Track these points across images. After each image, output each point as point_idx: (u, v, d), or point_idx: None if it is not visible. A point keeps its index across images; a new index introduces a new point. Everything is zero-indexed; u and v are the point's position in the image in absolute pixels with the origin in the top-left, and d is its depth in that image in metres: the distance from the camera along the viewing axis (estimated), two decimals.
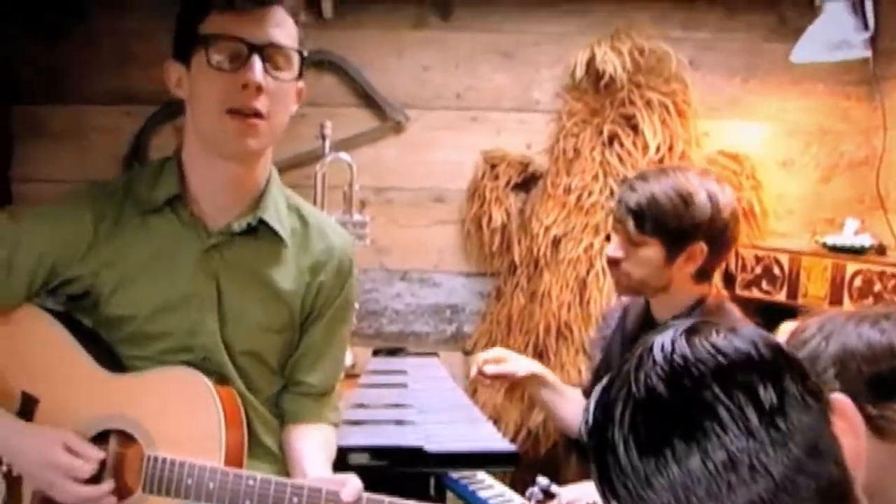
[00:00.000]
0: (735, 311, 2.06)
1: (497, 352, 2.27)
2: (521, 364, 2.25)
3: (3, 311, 1.61)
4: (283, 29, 1.51)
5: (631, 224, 1.97)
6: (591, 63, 2.89)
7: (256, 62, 1.47)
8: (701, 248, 1.95)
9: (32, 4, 3.00)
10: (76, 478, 1.48)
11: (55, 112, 3.08)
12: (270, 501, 1.45)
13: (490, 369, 2.20)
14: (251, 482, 1.46)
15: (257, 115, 1.49)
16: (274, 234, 1.62)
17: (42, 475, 1.50)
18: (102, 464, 1.53)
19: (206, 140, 1.55)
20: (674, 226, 1.93)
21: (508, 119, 3.04)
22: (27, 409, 1.58)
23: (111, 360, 1.62)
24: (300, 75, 1.57)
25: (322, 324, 1.71)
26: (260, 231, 1.61)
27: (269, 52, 1.50)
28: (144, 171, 1.65)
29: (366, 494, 1.45)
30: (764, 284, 2.79)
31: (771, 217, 2.92)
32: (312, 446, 1.68)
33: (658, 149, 2.83)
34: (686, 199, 1.93)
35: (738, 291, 2.80)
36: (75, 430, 1.54)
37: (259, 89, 1.47)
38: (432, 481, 2.14)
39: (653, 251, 1.97)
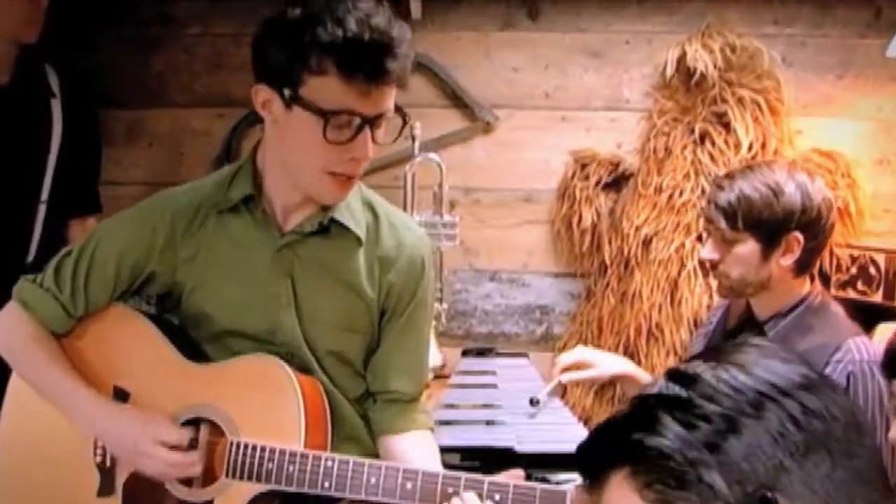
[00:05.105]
0: (838, 312, 2.02)
1: (579, 354, 2.25)
2: (606, 366, 2.23)
3: (94, 311, 1.67)
4: (392, 98, 1.52)
5: (723, 223, 1.96)
6: (681, 61, 2.86)
7: (369, 137, 1.49)
8: (797, 238, 1.93)
9: (122, 13, 3.08)
10: (164, 442, 1.54)
11: (148, 116, 3.14)
12: (349, 481, 1.49)
13: (566, 378, 2.20)
14: (329, 463, 1.50)
15: (354, 175, 1.54)
16: (347, 231, 1.63)
17: (132, 446, 1.56)
18: (192, 448, 1.58)
19: (294, 179, 1.58)
20: (766, 218, 1.93)
21: (598, 118, 3.03)
22: (119, 401, 1.64)
23: (197, 352, 1.67)
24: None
25: (399, 324, 1.71)
26: (332, 229, 1.63)
27: (377, 121, 1.51)
28: (221, 172, 1.69)
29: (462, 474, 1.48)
30: (859, 285, 2.74)
31: (866, 216, 2.85)
32: (417, 453, 1.68)
33: (751, 147, 2.78)
34: (775, 191, 1.92)
35: (833, 292, 2.75)
36: None
37: (366, 159, 1.51)
38: None
39: (748, 247, 1.96)
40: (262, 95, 1.54)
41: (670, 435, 0.73)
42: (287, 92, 1.48)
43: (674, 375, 0.78)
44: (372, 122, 1.49)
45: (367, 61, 1.43)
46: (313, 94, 1.46)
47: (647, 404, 0.77)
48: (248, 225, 1.63)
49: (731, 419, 0.72)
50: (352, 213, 1.65)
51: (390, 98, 1.51)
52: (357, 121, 1.47)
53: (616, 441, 0.77)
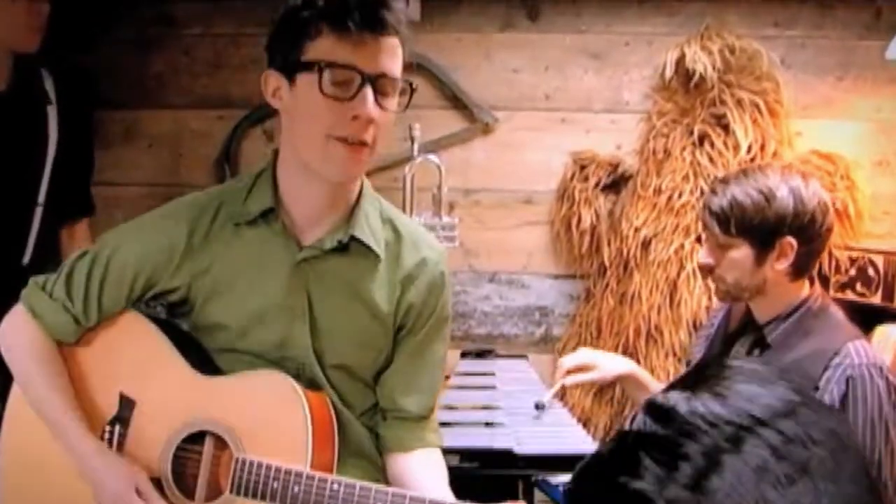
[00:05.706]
0: (838, 315, 2.02)
1: (582, 356, 2.25)
2: (609, 368, 2.23)
3: (104, 318, 1.65)
4: (395, 58, 1.50)
5: (717, 228, 1.97)
6: (680, 63, 2.86)
7: (369, 94, 1.46)
8: (790, 242, 1.93)
9: (122, 13, 3.08)
10: None
11: (148, 117, 3.14)
12: None
13: (570, 381, 2.20)
14: (335, 486, 1.48)
15: (363, 143, 1.50)
16: (366, 248, 1.61)
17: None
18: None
19: (305, 161, 1.55)
20: (758, 223, 1.93)
21: (598, 120, 3.03)
22: (125, 410, 1.63)
23: (206, 363, 1.65)
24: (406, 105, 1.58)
25: (415, 340, 1.69)
26: (352, 246, 1.61)
27: (381, 83, 1.49)
28: (239, 182, 1.67)
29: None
30: (858, 287, 2.74)
31: (865, 218, 2.85)
32: (424, 472, 1.67)
33: (749, 148, 2.79)
34: (767, 196, 1.92)
35: (832, 294, 2.75)
36: (170, 432, 1.59)
37: (370, 121, 1.48)
38: (521, 484, 2.13)
39: (742, 252, 1.96)
40: (272, 83, 1.53)
41: (651, 478, 0.73)
42: (292, 65, 1.49)
43: (651, 410, 0.78)
44: (373, 80, 1.47)
45: (357, 11, 1.43)
46: (311, 55, 1.47)
47: (628, 443, 0.77)
48: (265, 237, 1.60)
49: (710, 457, 0.71)
50: (372, 230, 1.63)
51: (391, 57, 1.49)
52: (357, 79, 1.46)
53: (603, 482, 0.78)
